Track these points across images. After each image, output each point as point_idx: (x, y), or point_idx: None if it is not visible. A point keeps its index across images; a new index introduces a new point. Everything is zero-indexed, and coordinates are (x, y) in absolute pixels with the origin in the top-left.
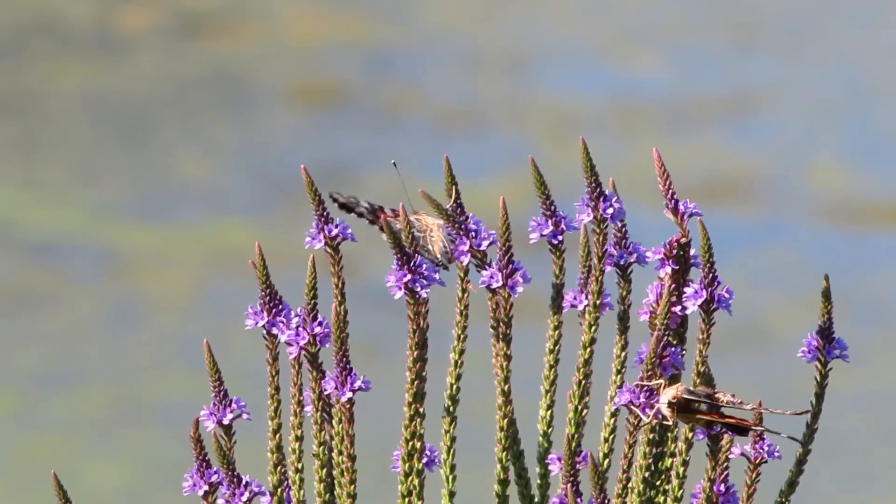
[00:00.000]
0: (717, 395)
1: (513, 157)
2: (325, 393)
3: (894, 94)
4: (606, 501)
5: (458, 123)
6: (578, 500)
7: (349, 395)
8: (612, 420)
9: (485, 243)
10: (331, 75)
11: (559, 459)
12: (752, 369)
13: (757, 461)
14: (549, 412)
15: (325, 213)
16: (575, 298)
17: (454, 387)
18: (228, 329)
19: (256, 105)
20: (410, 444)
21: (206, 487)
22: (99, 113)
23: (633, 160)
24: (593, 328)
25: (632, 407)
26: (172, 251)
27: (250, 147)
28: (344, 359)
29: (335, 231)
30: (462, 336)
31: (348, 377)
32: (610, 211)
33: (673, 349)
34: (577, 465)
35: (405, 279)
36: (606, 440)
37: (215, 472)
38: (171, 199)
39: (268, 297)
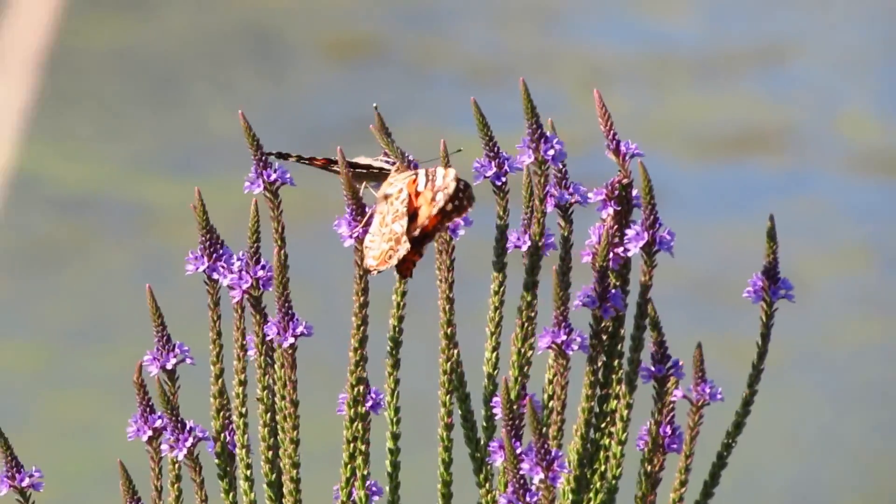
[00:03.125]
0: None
1: (543, 108)
2: (268, 338)
3: None
4: (546, 445)
5: (490, 76)
6: (517, 443)
7: (291, 340)
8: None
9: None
10: (363, 28)
11: None
12: (785, 319)
13: (699, 403)
14: (494, 354)
15: (263, 158)
16: (518, 239)
17: (397, 329)
18: None
19: (288, 59)
20: (356, 389)
21: (149, 433)
22: (130, 67)
23: (664, 111)
24: (536, 270)
25: (555, 348)
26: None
27: (282, 101)
28: (286, 304)
29: (274, 176)
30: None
31: (290, 322)
32: (551, 152)
33: (614, 291)
34: (521, 409)
35: (356, 230)
36: (551, 382)
37: (159, 417)
38: (202, 153)
39: (208, 242)
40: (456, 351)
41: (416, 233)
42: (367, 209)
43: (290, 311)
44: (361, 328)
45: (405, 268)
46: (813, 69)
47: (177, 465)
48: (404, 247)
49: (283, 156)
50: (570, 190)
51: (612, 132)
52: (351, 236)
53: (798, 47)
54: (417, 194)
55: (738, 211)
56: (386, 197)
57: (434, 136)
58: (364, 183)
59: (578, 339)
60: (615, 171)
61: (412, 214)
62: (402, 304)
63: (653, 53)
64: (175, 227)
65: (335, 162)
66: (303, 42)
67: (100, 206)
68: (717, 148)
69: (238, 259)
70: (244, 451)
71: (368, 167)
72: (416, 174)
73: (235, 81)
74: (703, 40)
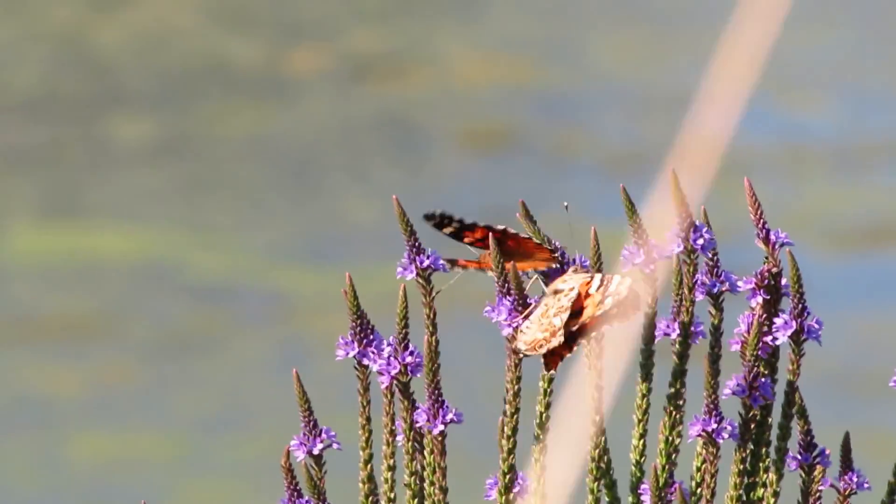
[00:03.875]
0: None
1: None
2: (417, 425)
3: None
4: None
5: (627, 165)
6: None
7: (441, 427)
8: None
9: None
10: (499, 118)
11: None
12: None
13: (846, 492)
14: (641, 441)
15: (416, 244)
16: (668, 327)
17: (543, 415)
18: None
19: (425, 148)
20: (508, 476)
21: None
22: (267, 156)
23: (800, 202)
24: (685, 358)
25: (705, 435)
26: (340, 294)
27: (419, 190)
28: (436, 390)
29: (427, 262)
30: None
31: (440, 409)
32: (700, 242)
33: (763, 380)
34: (669, 497)
35: (517, 320)
36: (699, 470)
37: (307, 502)
38: (339, 241)
39: (358, 328)
40: (603, 438)
41: (574, 328)
42: (530, 300)
43: (440, 398)
44: (514, 416)
45: (553, 360)
46: None
47: None
48: (557, 339)
49: (445, 219)
50: (721, 278)
51: (762, 220)
52: (510, 325)
53: None
54: (588, 295)
55: (875, 302)
56: (556, 292)
57: (573, 225)
58: (527, 271)
59: (729, 428)
60: (751, 261)
61: (575, 311)
62: (549, 390)
63: (789, 144)
64: (312, 316)
65: (496, 231)
66: (441, 132)
67: (237, 294)
68: (854, 239)
69: (388, 345)
70: None
71: (527, 240)
72: (593, 277)
73: (372, 170)
74: (839, 132)
